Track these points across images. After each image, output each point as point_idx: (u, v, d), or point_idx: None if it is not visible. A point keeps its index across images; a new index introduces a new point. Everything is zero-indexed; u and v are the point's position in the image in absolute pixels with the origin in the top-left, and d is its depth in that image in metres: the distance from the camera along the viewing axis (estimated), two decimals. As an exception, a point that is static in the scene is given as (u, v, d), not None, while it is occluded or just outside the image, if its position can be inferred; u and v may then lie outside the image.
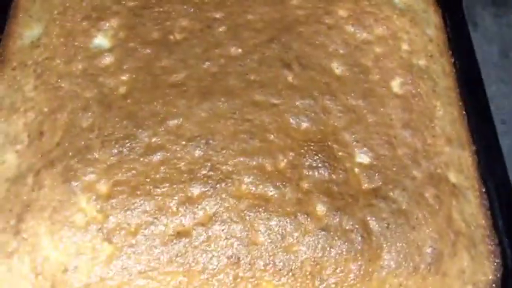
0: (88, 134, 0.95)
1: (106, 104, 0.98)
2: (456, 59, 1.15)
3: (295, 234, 0.88)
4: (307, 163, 0.94)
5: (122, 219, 0.88)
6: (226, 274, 0.86)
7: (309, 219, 0.89)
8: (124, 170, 0.91)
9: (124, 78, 1.01)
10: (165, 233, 0.87)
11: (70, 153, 0.93)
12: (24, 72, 1.04)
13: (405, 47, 1.11)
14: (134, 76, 1.01)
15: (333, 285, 0.86)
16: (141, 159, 0.92)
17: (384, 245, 0.89)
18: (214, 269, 0.86)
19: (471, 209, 0.97)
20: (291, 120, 0.98)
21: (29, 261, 0.86)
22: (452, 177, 0.98)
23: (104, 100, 0.98)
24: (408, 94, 1.04)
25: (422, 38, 1.13)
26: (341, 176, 0.93)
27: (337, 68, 1.06)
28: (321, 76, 1.04)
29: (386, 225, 0.90)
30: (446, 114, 1.05)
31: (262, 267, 0.87)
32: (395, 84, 1.06)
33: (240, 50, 1.05)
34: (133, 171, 0.91)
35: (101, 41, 1.06)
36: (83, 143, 0.94)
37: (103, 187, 0.90)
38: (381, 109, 1.01)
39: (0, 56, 1.08)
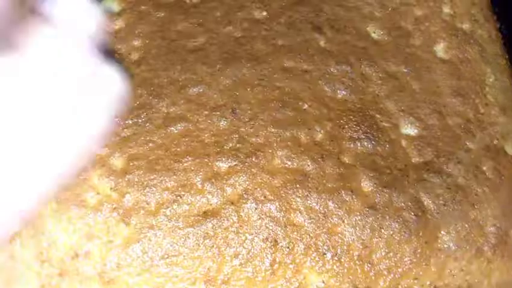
0: (97, 104, 0.83)
1: (117, 70, 0.87)
2: (501, 25, 1.05)
3: (340, 213, 0.77)
4: (347, 134, 0.83)
5: (141, 198, 0.76)
6: (262, 259, 0.75)
7: (354, 196, 0.78)
8: (140, 142, 0.80)
9: (136, 43, 0.90)
10: (190, 212, 0.76)
11: (78, 125, 0.81)
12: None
13: (447, 10, 1.00)
14: (147, 41, 0.90)
15: (385, 271, 0.75)
16: (159, 130, 0.81)
17: (442, 225, 0.78)
18: (248, 253, 0.75)
19: (534, 184, 0.86)
20: (326, 88, 0.87)
21: (33, 246, 0.74)
22: (510, 149, 0.88)
23: (114, 67, 0.87)
24: (455, 59, 0.94)
25: (465, 1, 1.03)
26: (386, 148, 0.83)
27: (374, 31, 0.95)
28: (357, 40, 0.93)
29: (442, 202, 0.79)
30: (497, 82, 0.94)
31: (303, 251, 0.75)
32: (440, 49, 0.95)
33: (264, 13, 0.95)
34: (151, 144, 0.80)
35: (109, 4, 0.96)
36: (92, 113, 0.82)
37: (116, 162, 0.79)
38: (427, 75, 0.91)
39: None
